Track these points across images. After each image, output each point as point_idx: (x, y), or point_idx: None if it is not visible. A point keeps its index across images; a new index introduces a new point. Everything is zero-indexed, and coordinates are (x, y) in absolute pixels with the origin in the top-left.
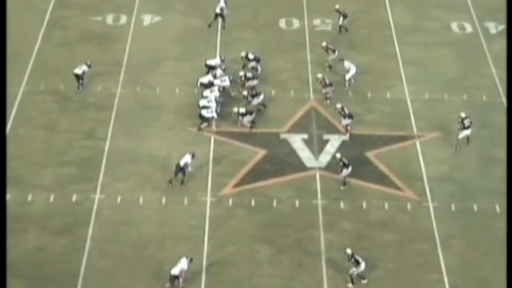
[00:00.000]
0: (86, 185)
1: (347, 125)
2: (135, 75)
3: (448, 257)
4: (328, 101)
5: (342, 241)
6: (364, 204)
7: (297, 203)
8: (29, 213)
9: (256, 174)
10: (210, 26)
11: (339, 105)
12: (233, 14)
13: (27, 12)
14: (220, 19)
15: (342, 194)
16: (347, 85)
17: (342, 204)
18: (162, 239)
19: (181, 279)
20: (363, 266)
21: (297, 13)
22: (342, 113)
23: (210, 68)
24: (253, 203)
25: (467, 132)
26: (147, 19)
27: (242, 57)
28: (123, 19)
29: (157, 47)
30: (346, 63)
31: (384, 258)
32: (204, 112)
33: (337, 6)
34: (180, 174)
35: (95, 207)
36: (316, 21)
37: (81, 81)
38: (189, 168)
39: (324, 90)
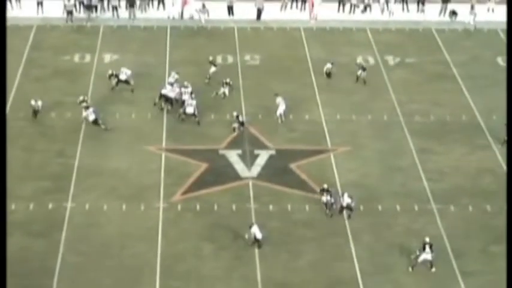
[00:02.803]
0: (59, 196)
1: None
2: (97, 103)
3: (359, 249)
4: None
5: (271, 237)
6: (289, 207)
7: (233, 206)
8: (12, 220)
9: (200, 183)
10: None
11: (235, 113)
12: (178, 52)
13: (8, 54)
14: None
15: (270, 199)
16: (279, 121)
17: (270, 207)
18: (123, 238)
19: None
20: (428, 256)
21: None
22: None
23: (165, 98)
24: (198, 207)
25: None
26: (107, 57)
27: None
28: (88, 58)
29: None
30: (278, 99)
31: (306, 250)
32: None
33: (358, 61)
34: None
35: (67, 214)
36: (247, 57)
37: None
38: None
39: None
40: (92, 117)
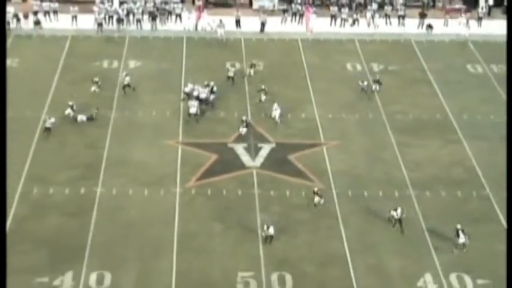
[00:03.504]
0: (90, 182)
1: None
2: (123, 103)
3: (348, 229)
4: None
5: (273, 218)
6: (287, 193)
7: (239, 192)
8: (50, 202)
9: (211, 172)
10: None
11: (244, 117)
12: (193, 60)
13: (46, 62)
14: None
15: (271, 186)
16: (277, 123)
17: (271, 193)
18: (145, 219)
19: None
20: (461, 240)
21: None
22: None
23: (186, 94)
24: (209, 192)
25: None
26: (132, 63)
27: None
28: (115, 63)
29: (139, 82)
30: (274, 105)
31: (302, 231)
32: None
33: (377, 77)
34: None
35: (97, 198)
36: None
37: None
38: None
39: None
40: (84, 118)
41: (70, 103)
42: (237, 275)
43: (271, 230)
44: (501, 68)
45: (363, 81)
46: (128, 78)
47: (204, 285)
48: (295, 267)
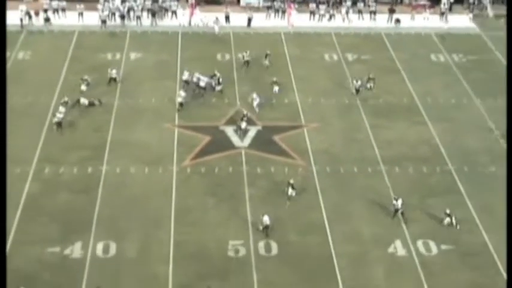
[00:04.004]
0: (96, 162)
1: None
2: (125, 91)
3: (326, 201)
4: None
5: (259, 193)
6: (272, 169)
7: (230, 169)
8: (61, 180)
9: (204, 152)
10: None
11: (244, 111)
12: (188, 52)
13: (56, 54)
14: None
15: (258, 164)
16: (256, 111)
17: (258, 170)
18: (146, 195)
19: None
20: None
21: (228, 50)
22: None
23: (185, 82)
24: (203, 170)
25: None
26: (133, 55)
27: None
28: (118, 55)
29: (140, 72)
30: (254, 95)
31: (284, 203)
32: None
33: (371, 75)
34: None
35: (102, 176)
36: (240, 55)
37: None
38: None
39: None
40: (86, 102)
41: (85, 77)
42: (228, 244)
43: (266, 218)
44: (461, 58)
45: (356, 81)
46: (114, 72)
47: (199, 253)
48: (280, 235)
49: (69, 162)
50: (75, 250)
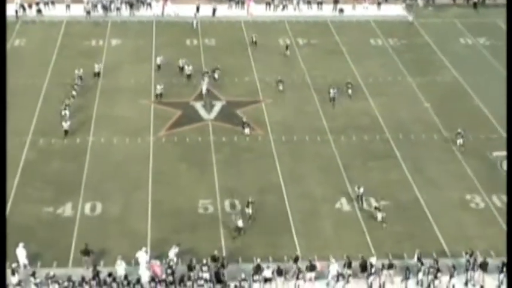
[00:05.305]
0: (84, 133)
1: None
2: (107, 73)
3: (281, 165)
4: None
5: (224, 158)
6: (235, 138)
7: (199, 139)
8: (52, 150)
9: (177, 124)
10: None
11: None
12: (161, 38)
13: (47, 41)
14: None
15: (223, 134)
16: (204, 95)
17: (223, 139)
18: (127, 161)
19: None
20: (380, 216)
21: (196, 36)
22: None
23: (158, 66)
24: (176, 139)
25: (460, 141)
26: (114, 42)
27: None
28: (101, 42)
29: (120, 56)
30: (206, 79)
31: (247, 167)
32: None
33: (349, 80)
34: None
35: (89, 145)
36: (206, 40)
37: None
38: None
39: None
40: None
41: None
42: (199, 202)
43: (240, 223)
44: (395, 41)
45: (333, 88)
46: (97, 66)
47: (173, 211)
48: (242, 195)
49: (60, 135)
50: (66, 209)
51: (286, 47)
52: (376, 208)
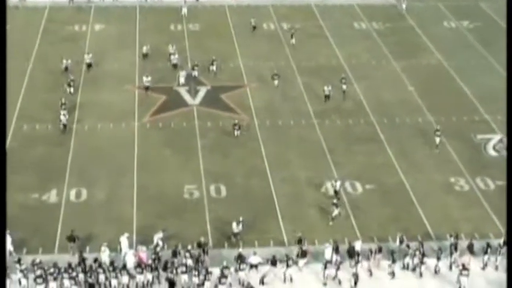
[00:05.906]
0: (68, 119)
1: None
2: (92, 58)
3: (266, 149)
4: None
5: (210, 143)
6: (220, 123)
7: (184, 124)
8: (38, 135)
9: (161, 109)
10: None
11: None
12: (145, 23)
13: (30, 26)
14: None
15: (208, 118)
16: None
17: (208, 124)
18: (112, 146)
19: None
20: (337, 211)
21: (181, 21)
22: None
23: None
24: (160, 125)
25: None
26: (97, 27)
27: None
28: (84, 27)
29: (103, 42)
30: (183, 72)
31: (232, 151)
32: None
33: (343, 75)
34: None
35: (74, 131)
36: (190, 25)
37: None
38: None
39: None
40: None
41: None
42: (184, 188)
43: (234, 226)
44: (380, 25)
45: (328, 86)
46: (88, 57)
47: (158, 196)
48: (228, 179)
49: (45, 120)
50: (52, 196)
51: (292, 36)
52: (333, 204)
